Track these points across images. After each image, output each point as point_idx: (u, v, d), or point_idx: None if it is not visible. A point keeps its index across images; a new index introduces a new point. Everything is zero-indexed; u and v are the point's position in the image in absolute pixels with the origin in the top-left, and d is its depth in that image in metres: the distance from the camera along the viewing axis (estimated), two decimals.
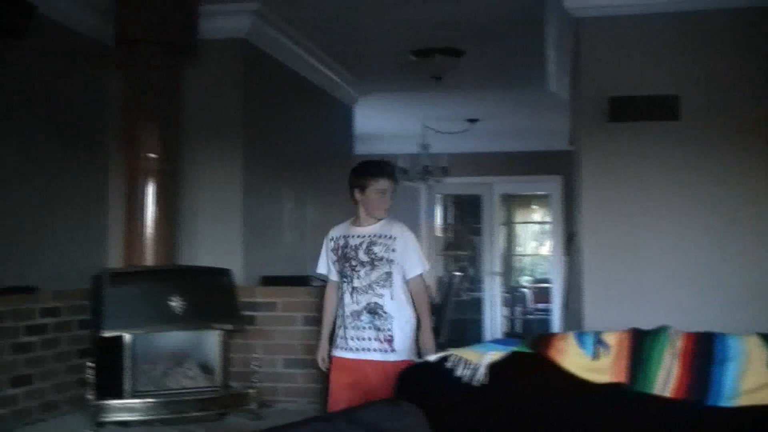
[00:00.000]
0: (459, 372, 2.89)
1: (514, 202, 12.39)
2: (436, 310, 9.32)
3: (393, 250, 3.72)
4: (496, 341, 3.04)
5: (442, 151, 9.59)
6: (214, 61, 5.55)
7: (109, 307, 4.76)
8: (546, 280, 11.94)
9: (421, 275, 3.81)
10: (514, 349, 2.86)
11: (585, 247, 4.99)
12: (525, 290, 12.50)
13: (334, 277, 3.86)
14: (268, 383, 5.32)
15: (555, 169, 10.29)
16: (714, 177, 4.84)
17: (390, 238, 3.74)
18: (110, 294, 4.77)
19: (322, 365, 3.90)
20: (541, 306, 11.94)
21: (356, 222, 3.81)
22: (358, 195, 3.74)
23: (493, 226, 11.35)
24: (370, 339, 3.74)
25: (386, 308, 3.72)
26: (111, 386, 4.72)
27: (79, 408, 4.91)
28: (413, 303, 3.78)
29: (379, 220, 3.76)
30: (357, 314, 3.74)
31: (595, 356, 2.74)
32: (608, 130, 4.93)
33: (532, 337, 2.96)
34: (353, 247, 3.75)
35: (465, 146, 10.21)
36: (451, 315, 9.54)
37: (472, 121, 9.41)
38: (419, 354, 3.74)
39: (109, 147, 5.51)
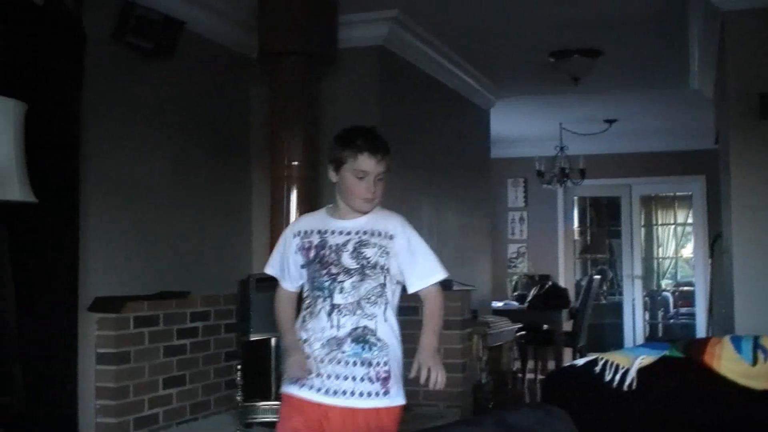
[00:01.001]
0: (608, 376, 2.84)
1: (654, 203, 12.07)
2: (574, 314, 9.22)
3: (389, 254, 2.77)
4: (646, 345, 2.99)
5: (580, 152, 9.46)
6: (353, 69, 5.64)
7: (255, 312, 4.88)
8: (689, 284, 11.59)
9: (439, 285, 2.83)
10: (665, 353, 2.80)
11: (735, 248, 4.82)
12: (666, 294, 12.16)
13: (290, 285, 2.92)
14: None
15: (697, 169, 9.99)
16: None
17: (386, 236, 2.79)
18: (256, 299, 4.89)
19: (301, 371, 2.80)
20: (683, 310, 11.59)
21: (336, 212, 2.87)
22: (331, 174, 2.86)
23: (632, 228, 11.08)
24: (355, 379, 2.73)
25: (379, 334, 2.75)
26: (258, 388, 4.85)
27: (227, 408, 5.08)
28: (427, 318, 2.80)
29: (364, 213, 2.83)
30: (338, 343, 2.74)
31: (755, 362, 2.65)
32: (758, 128, 4.74)
33: (683, 341, 2.89)
34: (334, 248, 2.78)
35: (603, 147, 10.02)
36: (589, 319, 9.40)
37: (610, 121, 9.23)
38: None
39: (252, 157, 5.68)
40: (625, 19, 5.70)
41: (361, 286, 2.74)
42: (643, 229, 11.55)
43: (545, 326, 8.96)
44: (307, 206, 5.23)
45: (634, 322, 10.97)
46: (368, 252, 2.75)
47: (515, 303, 9.36)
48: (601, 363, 2.86)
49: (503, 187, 10.84)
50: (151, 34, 4.55)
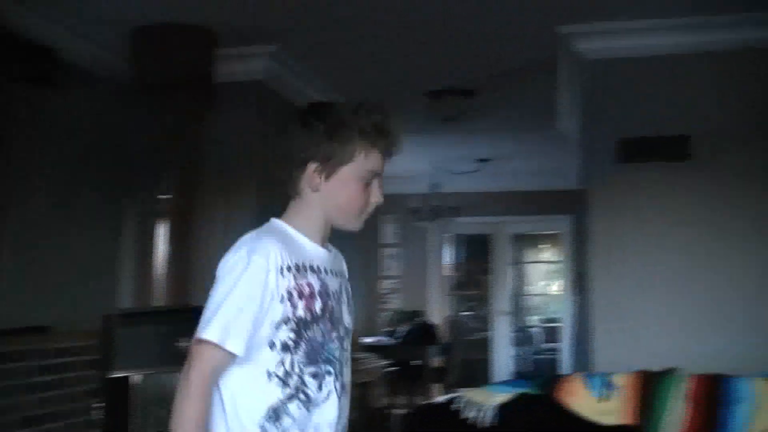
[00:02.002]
0: (466, 414, 2.89)
1: (524, 241, 12.37)
2: (445, 349, 9.34)
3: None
4: (505, 382, 3.05)
5: (453, 190, 9.63)
6: (232, 104, 5.60)
7: (118, 348, 4.76)
8: (556, 320, 11.90)
9: None
10: (523, 390, 2.86)
11: (594, 287, 4.98)
12: (534, 330, 12.46)
13: (238, 354, 1.79)
14: None
15: (565, 208, 10.32)
16: (726, 216, 4.84)
17: (344, 277, 2.10)
18: (119, 334, 4.77)
19: None
20: (550, 345, 11.89)
21: (309, 232, 1.98)
22: (312, 181, 1.92)
23: (503, 266, 11.34)
24: None
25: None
26: (118, 427, 4.71)
27: None
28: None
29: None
30: None
31: (604, 398, 2.74)
32: (618, 171, 4.95)
33: (540, 378, 2.97)
34: (334, 297, 1.96)
35: (476, 186, 10.24)
36: (460, 355, 9.54)
37: (484, 161, 9.45)
38: None
39: (124, 188, 5.56)
40: (498, 62, 5.86)
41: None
42: (513, 267, 11.82)
43: (416, 362, 9.04)
44: (177, 242, 5.15)
45: (502, 357, 11.19)
46: (350, 303, 2.05)
47: (386, 338, 9.42)
48: (459, 400, 2.90)
49: (377, 223, 10.94)
50: (29, 63, 4.44)
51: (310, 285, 1.87)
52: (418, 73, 6.24)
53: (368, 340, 8.66)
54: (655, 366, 2.90)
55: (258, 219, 5.71)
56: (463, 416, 2.90)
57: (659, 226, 4.90)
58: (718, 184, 4.83)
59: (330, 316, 1.90)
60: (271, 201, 5.78)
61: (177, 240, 5.17)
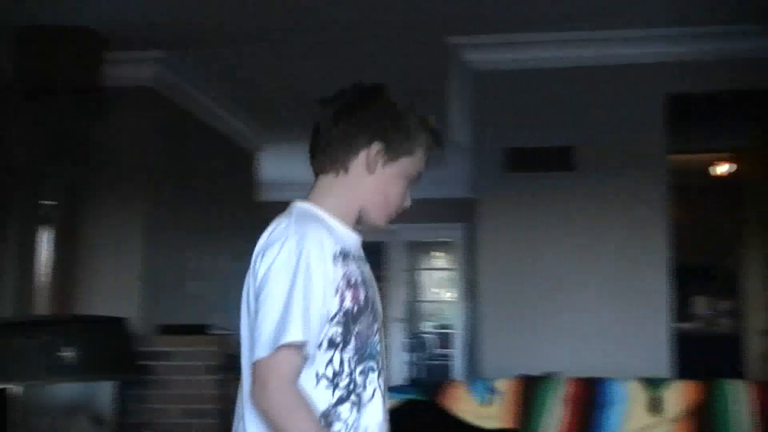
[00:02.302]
0: None
1: (418, 248, 12.49)
2: None
3: None
4: (391, 389, 3.07)
5: None
6: (121, 109, 5.49)
7: None
8: (449, 326, 12.05)
9: None
10: (409, 396, 2.89)
11: (483, 294, 5.07)
12: (428, 336, 12.59)
13: (322, 355, 1.68)
14: None
15: (458, 216, 10.45)
16: (607, 225, 4.99)
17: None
18: None
19: None
20: (444, 352, 12.03)
21: (339, 216, 1.83)
22: (366, 164, 1.82)
23: (397, 273, 11.43)
24: None
25: None
26: None
27: None
28: None
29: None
30: None
31: (486, 403, 2.79)
32: (505, 180, 5.06)
33: (426, 385, 3.01)
34: (372, 284, 1.82)
35: None
36: None
37: None
38: None
39: (5, 195, 5.39)
40: (390, 70, 5.91)
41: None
42: (407, 274, 11.92)
43: None
44: (62, 249, 5.02)
45: (396, 363, 11.27)
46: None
47: None
48: None
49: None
50: None
51: (354, 271, 1.73)
52: (312, 81, 6.24)
53: None
54: (542, 371, 2.98)
55: (148, 226, 5.48)
56: None
57: (545, 235, 5.02)
58: (601, 193, 4.98)
59: (372, 306, 1.75)
60: (161, 208, 5.73)
61: (62, 248, 5.04)
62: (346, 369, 1.67)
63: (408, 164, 1.83)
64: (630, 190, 4.98)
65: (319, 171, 1.86)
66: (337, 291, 1.66)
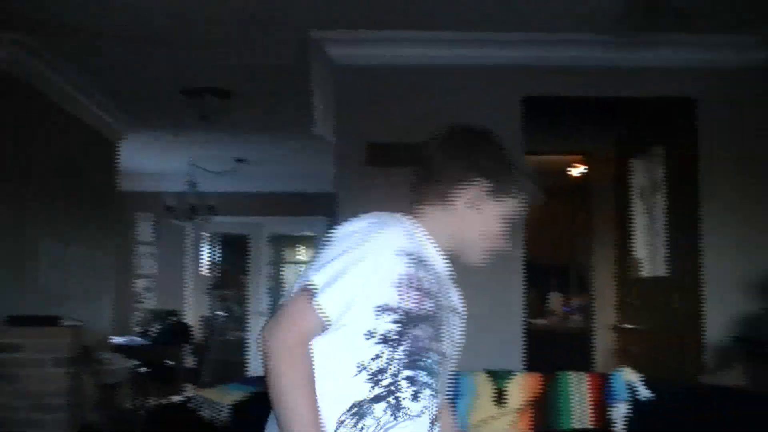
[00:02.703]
0: (202, 413, 2.89)
1: (282, 242, 12.47)
2: (198, 350, 9.24)
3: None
4: (241, 381, 3.06)
5: (211, 190, 9.55)
6: None
7: None
8: None
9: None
10: (257, 389, 2.89)
11: None
12: None
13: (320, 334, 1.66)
14: (15, 430, 5.04)
15: (321, 210, 10.50)
16: None
17: (459, 313, 1.89)
18: None
19: None
20: None
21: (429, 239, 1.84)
22: (466, 197, 1.83)
23: (260, 266, 11.37)
24: None
25: None
26: None
27: None
28: None
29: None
30: None
31: None
32: (365, 175, 5.11)
33: None
34: (447, 312, 1.79)
35: (234, 186, 10.21)
36: (214, 355, 9.47)
37: (241, 161, 9.44)
38: None
39: None
40: (254, 64, 5.87)
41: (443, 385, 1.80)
42: (271, 267, 11.87)
43: (169, 362, 8.88)
44: None
45: (259, 358, 11.20)
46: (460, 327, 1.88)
47: (139, 339, 9.19)
48: (196, 400, 2.90)
49: (133, 221, 10.64)
50: None
51: (426, 280, 1.71)
52: (175, 72, 6.15)
53: (119, 340, 8.40)
54: None
55: (11, 216, 5.17)
56: (199, 415, 2.89)
57: None
58: None
59: (438, 324, 1.72)
60: (11, 195, 5.52)
61: None
62: (392, 369, 1.64)
63: (510, 207, 1.85)
64: None
65: (422, 202, 1.89)
66: (393, 284, 1.66)
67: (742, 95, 5.27)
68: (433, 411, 1.70)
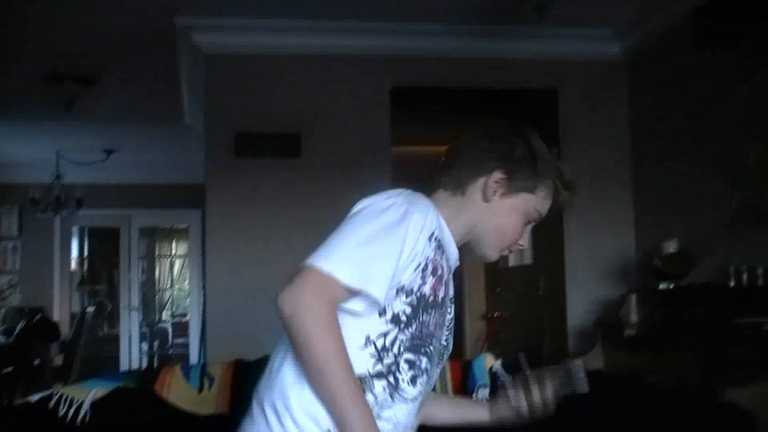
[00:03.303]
0: (62, 411, 2.80)
1: (155, 235, 12.22)
2: (66, 347, 8.97)
3: None
4: (102, 377, 2.97)
5: (79, 181, 9.26)
6: None
7: None
8: (186, 314, 11.89)
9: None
10: (119, 384, 2.82)
11: (209, 280, 5.05)
12: (165, 325, 12.36)
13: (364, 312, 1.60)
14: None
15: (194, 202, 10.33)
16: (333, 211, 5.10)
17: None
18: None
19: None
20: (180, 340, 11.86)
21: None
22: (487, 189, 1.77)
23: (131, 260, 11.10)
24: None
25: None
26: None
27: None
28: None
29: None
30: None
31: (201, 389, 2.77)
32: (234, 166, 5.06)
33: (138, 371, 2.95)
34: (449, 302, 1.79)
35: (103, 177, 9.91)
36: (85, 352, 9.20)
37: (109, 151, 9.18)
38: None
39: None
40: (119, 50, 5.71)
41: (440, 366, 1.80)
42: (144, 261, 11.62)
43: (36, 360, 8.58)
44: None
45: (131, 353, 10.97)
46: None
47: (2, 337, 8.85)
48: (55, 397, 2.80)
49: None
50: None
51: (443, 267, 1.69)
52: (36, 57, 5.92)
53: None
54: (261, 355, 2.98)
55: None
56: (59, 414, 2.80)
57: (272, 221, 5.06)
58: (327, 180, 5.08)
59: (444, 312, 1.72)
60: None
61: None
62: (395, 349, 1.61)
63: (528, 202, 1.79)
64: (356, 177, 5.12)
65: (440, 187, 1.83)
66: (418, 268, 1.62)
67: (597, 85, 5.46)
68: (420, 390, 1.69)
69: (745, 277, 4.09)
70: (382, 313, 1.60)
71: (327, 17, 5.05)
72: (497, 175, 1.77)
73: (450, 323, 1.79)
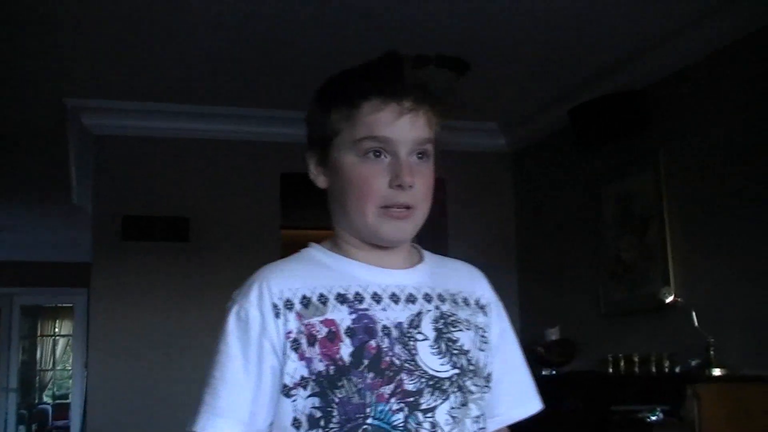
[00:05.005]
0: None
1: (38, 314, 11.86)
2: None
3: (488, 345, 1.41)
4: None
5: None
6: None
7: None
8: (68, 396, 11.50)
9: None
10: None
11: (91, 362, 4.95)
12: (45, 406, 11.91)
13: None
14: None
15: (80, 281, 10.10)
16: (222, 295, 5.05)
17: (477, 306, 1.41)
18: None
19: None
20: (61, 423, 11.44)
21: (351, 252, 1.36)
22: (316, 175, 1.38)
23: (12, 340, 10.73)
24: None
25: None
26: None
27: None
28: None
29: (414, 250, 1.43)
30: None
31: None
32: (121, 248, 4.98)
33: None
34: (395, 334, 1.26)
35: None
36: None
37: None
38: None
39: None
40: (8, 129, 5.60)
41: (466, 416, 1.29)
42: (25, 341, 11.25)
43: None
44: None
45: None
46: (463, 338, 1.34)
47: None
48: None
49: None
50: None
51: (328, 322, 1.24)
52: None
53: None
54: None
55: None
56: None
57: (158, 304, 4.99)
58: (215, 263, 5.05)
59: (375, 362, 1.23)
60: None
61: None
62: None
63: (347, 143, 1.30)
64: (247, 261, 5.07)
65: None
66: (287, 351, 1.23)
67: (484, 176, 5.65)
68: None
69: (622, 364, 4.22)
70: (298, 426, 1.23)
71: (217, 103, 5.09)
72: (309, 158, 1.37)
73: (404, 356, 1.26)
